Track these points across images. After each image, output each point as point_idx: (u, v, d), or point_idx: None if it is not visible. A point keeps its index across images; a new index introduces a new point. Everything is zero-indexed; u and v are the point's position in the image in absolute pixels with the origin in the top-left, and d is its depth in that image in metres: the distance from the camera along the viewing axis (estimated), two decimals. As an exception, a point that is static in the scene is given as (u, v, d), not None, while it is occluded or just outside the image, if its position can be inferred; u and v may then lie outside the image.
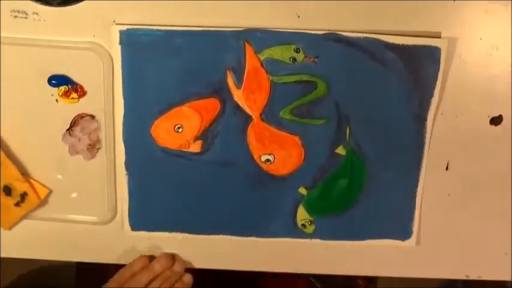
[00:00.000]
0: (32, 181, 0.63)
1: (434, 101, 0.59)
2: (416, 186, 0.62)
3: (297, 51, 0.57)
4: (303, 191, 0.62)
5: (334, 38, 0.57)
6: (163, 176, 0.62)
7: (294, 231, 0.64)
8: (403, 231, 0.64)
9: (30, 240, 0.66)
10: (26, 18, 0.58)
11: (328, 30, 0.57)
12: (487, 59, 0.59)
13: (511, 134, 0.61)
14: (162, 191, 0.63)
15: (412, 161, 0.62)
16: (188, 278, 0.64)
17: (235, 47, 0.57)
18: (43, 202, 0.64)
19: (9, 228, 0.65)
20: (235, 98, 0.59)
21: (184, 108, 0.59)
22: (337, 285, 0.79)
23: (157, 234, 0.65)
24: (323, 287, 0.75)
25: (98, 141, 0.62)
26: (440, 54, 0.57)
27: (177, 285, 0.62)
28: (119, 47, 0.57)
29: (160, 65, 0.58)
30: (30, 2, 0.57)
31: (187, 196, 0.63)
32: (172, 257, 0.64)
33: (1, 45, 0.58)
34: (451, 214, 0.64)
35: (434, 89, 0.59)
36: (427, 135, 0.61)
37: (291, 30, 0.57)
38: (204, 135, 0.60)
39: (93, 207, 0.64)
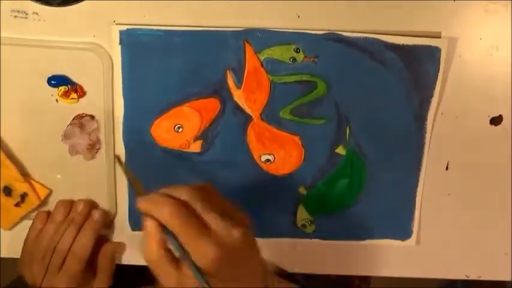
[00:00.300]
0: (32, 181, 0.63)
1: (434, 101, 0.59)
2: (416, 186, 0.63)
3: (297, 51, 0.57)
4: (303, 191, 0.63)
5: (334, 38, 0.57)
6: (163, 176, 0.62)
7: (294, 231, 0.64)
8: (403, 231, 0.64)
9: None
10: (26, 18, 0.58)
11: (328, 30, 0.57)
12: (487, 59, 0.59)
13: (511, 134, 0.61)
14: (162, 191, 0.63)
15: (412, 161, 0.62)
16: (98, 214, 0.59)
17: (235, 47, 0.57)
18: (43, 202, 0.64)
19: (10, 229, 0.64)
20: (235, 98, 0.59)
21: (185, 108, 0.59)
22: (331, 284, 0.78)
23: (157, 234, 0.65)
24: (318, 285, 0.74)
25: (98, 141, 0.62)
26: (440, 54, 0.57)
27: (86, 224, 0.59)
28: (118, 47, 0.57)
29: (160, 65, 0.58)
30: (30, 2, 0.57)
31: (187, 196, 0.63)
32: (70, 202, 0.62)
33: (1, 45, 0.58)
34: (451, 214, 0.64)
35: (434, 89, 0.59)
36: (427, 135, 0.61)
37: (291, 30, 0.57)
38: (204, 135, 0.60)
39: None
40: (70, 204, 0.62)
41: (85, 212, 0.61)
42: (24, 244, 0.61)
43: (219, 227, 0.44)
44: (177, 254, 0.44)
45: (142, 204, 0.45)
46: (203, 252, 0.43)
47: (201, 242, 0.43)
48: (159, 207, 0.44)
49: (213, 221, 0.44)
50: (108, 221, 0.63)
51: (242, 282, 0.47)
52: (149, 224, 0.45)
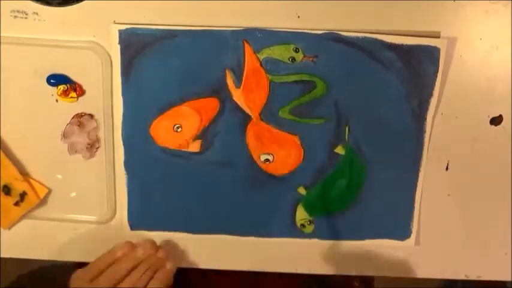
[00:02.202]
0: (31, 180, 0.63)
1: (434, 101, 0.59)
2: (415, 186, 0.62)
3: (296, 50, 0.57)
4: (302, 190, 0.62)
5: (333, 38, 0.57)
6: (163, 176, 0.62)
7: (294, 231, 0.64)
8: (402, 231, 0.64)
9: (30, 240, 0.66)
10: (26, 18, 0.58)
11: (328, 30, 0.57)
12: (487, 59, 0.59)
13: (511, 134, 0.61)
14: (161, 190, 0.63)
15: (411, 161, 0.62)
16: (170, 265, 0.61)
17: (235, 47, 0.57)
18: (42, 202, 0.64)
19: (9, 228, 0.65)
20: (235, 98, 0.59)
21: (184, 108, 0.59)
22: (332, 285, 0.78)
23: (156, 233, 0.65)
24: (318, 286, 0.74)
25: (97, 140, 0.62)
26: (439, 54, 0.57)
27: (159, 272, 0.60)
28: (118, 47, 0.57)
29: (160, 64, 0.58)
30: (30, 2, 0.57)
31: (187, 196, 0.63)
32: (155, 244, 0.62)
33: (1, 45, 0.58)
34: (451, 214, 0.64)
35: (433, 89, 0.59)
36: (427, 135, 0.61)
37: (290, 30, 0.57)
38: (203, 135, 0.60)
39: (93, 207, 0.65)
40: (155, 246, 0.62)
41: (164, 259, 0.61)
42: (95, 263, 0.61)
43: None
44: None
45: None
46: None
47: None
48: None
49: None
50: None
51: None
52: None
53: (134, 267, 0.59)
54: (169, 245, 0.65)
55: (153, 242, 0.62)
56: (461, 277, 0.67)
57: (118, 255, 0.60)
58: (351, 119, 0.60)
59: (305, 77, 0.58)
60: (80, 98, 0.60)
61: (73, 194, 0.64)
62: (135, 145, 0.61)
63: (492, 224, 0.65)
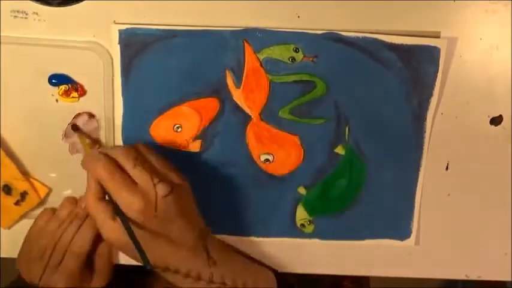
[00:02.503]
0: (32, 180, 0.63)
1: (434, 101, 0.59)
2: (415, 186, 0.62)
3: (296, 50, 0.57)
4: (302, 190, 0.62)
5: (333, 38, 0.57)
6: (163, 176, 0.62)
7: (293, 230, 0.64)
8: (402, 231, 0.64)
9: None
10: (26, 18, 0.58)
11: (328, 30, 0.57)
12: (487, 59, 0.59)
13: (511, 134, 0.61)
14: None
15: (411, 161, 0.62)
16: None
17: (235, 47, 0.57)
18: (43, 201, 0.64)
19: (9, 228, 0.65)
20: (235, 98, 0.59)
21: (184, 108, 0.59)
22: (322, 286, 0.77)
23: (156, 233, 0.65)
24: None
25: (98, 140, 0.62)
26: (439, 54, 0.57)
27: (86, 220, 0.58)
28: (118, 47, 0.57)
29: (160, 64, 0.58)
30: (30, 2, 0.57)
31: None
32: (75, 198, 0.61)
33: (1, 45, 0.58)
34: (451, 214, 0.64)
35: (433, 89, 0.59)
36: (427, 135, 0.61)
37: (290, 30, 0.57)
38: (203, 135, 0.61)
39: (93, 207, 0.64)
40: (76, 201, 0.61)
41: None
42: (25, 241, 0.61)
43: (143, 182, 0.50)
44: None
45: (82, 161, 0.52)
46: (128, 203, 0.49)
47: (125, 193, 0.49)
48: (92, 163, 0.51)
49: (139, 176, 0.50)
50: None
51: (171, 237, 0.52)
52: (88, 179, 0.51)
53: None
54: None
55: (71, 198, 0.61)
56: (462, 277, 0.66)
57: (41, 224, 0.60)
58: (351, 119, 0.60)
59: (305, 77, 0.58)
60: (81, 98, 0.60)
61: (74, 194, 0.64)
62: (135, 145, 0.61)
63: (492, 224, 0.65)
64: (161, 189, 0.50)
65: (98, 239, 0.59)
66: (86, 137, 0.59)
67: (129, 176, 0.51)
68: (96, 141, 0.61)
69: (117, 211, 0.50)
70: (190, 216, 0.54)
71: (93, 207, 0.51)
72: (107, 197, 0.52)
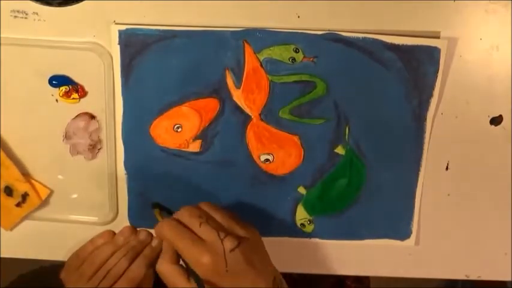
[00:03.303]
0: (33, 181, 0.63)
1: (434, 101, 0.59)
2: (415, 186, 0.62)
3: (296, 51, 0.57)
4: (302, 190, 0.63)
5: (333, 38, 0.57)
6: (163, 176, 0.62)
7: (293, 230, 0.64)
8: (402, 231, 0.64)
9: (30, 240, 0.66)
10: (26, 18, 0.58)
11: (328, 30, 0.57)
12: (487, 59, 0.59)
13: (511, 134, 0.61)
14: (162, 190, 0.63)
15: (411, 161, 0.62)
16: (157, 242, 0.59)
17: (235, 47, 0.57)
18: (44, 202, 0.64)
19: (11, 229, 0.65)
20: (235, 98, 0.59)
21: (184, 108, 0.59)
22: (326, 286, 0.78)
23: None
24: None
25: (99, 141, 0.62)
26: (439, 54, 0.57)
27: (146, 251, 0.58)
28: (118, 47, 0.57)
29: (160, 64, 0.58)
30: (30, 2, 0.57)
31: (187, 196, 0.63)
32: (135, 229, 0.61)
33: (1, 46, 0.58)
34: (451, 214, 0.64)
35: (433, 89, 0.59)
36: (427, 135, 0.61)
37: (290, 30, 0.57)
38: (203, 135, 0.61)
39: (94, 208, 0.65)
40: (135, 231, 0.61)
41: (147, 241, 0.60)
42: (78, 254, 0.60)
43: (210, 238, 0.51)
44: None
45: (156, 231, 0.54)
46: (197, 260, 0.50)
47: (194, 250, 0.50)
48: (163, 228, 0.53)
49: (205, 234, 0.51)
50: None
51: None
52: (164, 244, 0.54)
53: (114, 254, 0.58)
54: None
55: (131, 228, 0.60)
56: (462, 277, 0.67)
57: (98, 244, 0.60)
58: (351, 119, 0.60)
59: (305, 77, 0.58)
60: (82, 99, 0.60)
61: (75, 195, 0.64)
62: (135, 145, 0.61)
63: (492, 224, 0.65)
64: (228, 243, 0.51)
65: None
66: (160, 209, 0.60)
67: (197, 235, 0.52)
68: (97, 143, 0.61)
69: (190, 272, 0.51)
70: (261, 267, 0.54)
71: (167, 271, 0.53)
72: (181, 262, 0.53)
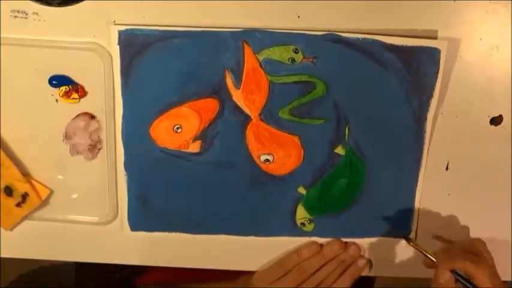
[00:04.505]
0: (33, 181, 0.63)
1: (434, 102, 0.59)
2: (415, 186, 0.62)
3: (295, 51, 0.57)
4: (302, 190, 0.63)
5: (333, 39, 0.57)
6: (163, 176, 0.62)
7: (294, 229, 0.64)
8: (402, 231, 0.64)
9: (30, 240, 0.66)
10: (26, 18, 0.58)
11: (328, 30, 0.57)
12: (487, 59, 0.59)
13: (511, 134, 0.61)
14: (161, 191, 0.63)
15: (411, 161, 0.62)
16: (363, 263, 0.61)
17: (234, 48, 0.57)
18: (44, 202, 0.64)
19: (10, 229, 0.65)
20: (234, 98, 0.59)
21: (184, 109, 0.59)
22: None
23: (156, 234, 0.65)
24: None
25: (99, 141, 0.62)
26: (439, 55, 0.57)
27: (352, 270, 0.60)
28: (117, 47, 0.57)
29: (160, 65, 0.58)
30: (30, 2, 0.57)
31: (187, 196, 0.63)
32: (343, 243, 0.62)
33: (1, 46, 0.58)
34: (451, 214, 0.64)
35: (434, 90, 0.59)
36: (427, 135, 0.61)
37: (289, 31, 0.57)
38: (203, 136, 0.61)
39: (94, 208, 0.65)
40: (344, 245, 0.62)
41: (356, 256, 0.62)
42: (281, 265, 0.62)
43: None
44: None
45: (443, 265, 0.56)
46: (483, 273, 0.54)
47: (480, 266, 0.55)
48: (457, 261, 0.56)
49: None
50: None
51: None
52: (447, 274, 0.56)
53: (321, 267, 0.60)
54: (169, 246, 0.65)
55: (341, 242, 0.62)
56: (461, 277, 0.67)
57: (304, 256, 0.61)
58: (351, 120, 0.60)
59: (305, 78, 0.58)
60: (82, 99, 0.60)
61: (75, 195, 0.64)
62: (135, 146, 0.61)
63: (492, 224, 0.65)
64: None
65: None
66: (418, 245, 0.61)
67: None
68: (97, 143, 0.61)
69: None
70: None
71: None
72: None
